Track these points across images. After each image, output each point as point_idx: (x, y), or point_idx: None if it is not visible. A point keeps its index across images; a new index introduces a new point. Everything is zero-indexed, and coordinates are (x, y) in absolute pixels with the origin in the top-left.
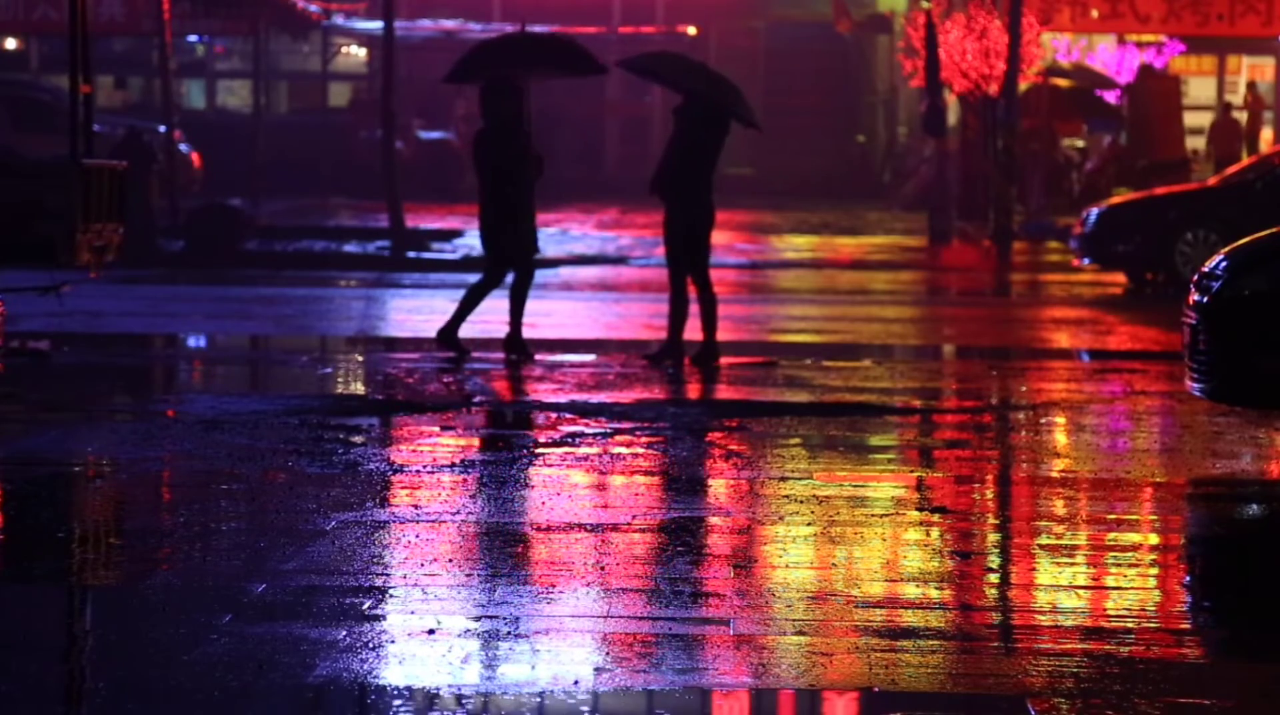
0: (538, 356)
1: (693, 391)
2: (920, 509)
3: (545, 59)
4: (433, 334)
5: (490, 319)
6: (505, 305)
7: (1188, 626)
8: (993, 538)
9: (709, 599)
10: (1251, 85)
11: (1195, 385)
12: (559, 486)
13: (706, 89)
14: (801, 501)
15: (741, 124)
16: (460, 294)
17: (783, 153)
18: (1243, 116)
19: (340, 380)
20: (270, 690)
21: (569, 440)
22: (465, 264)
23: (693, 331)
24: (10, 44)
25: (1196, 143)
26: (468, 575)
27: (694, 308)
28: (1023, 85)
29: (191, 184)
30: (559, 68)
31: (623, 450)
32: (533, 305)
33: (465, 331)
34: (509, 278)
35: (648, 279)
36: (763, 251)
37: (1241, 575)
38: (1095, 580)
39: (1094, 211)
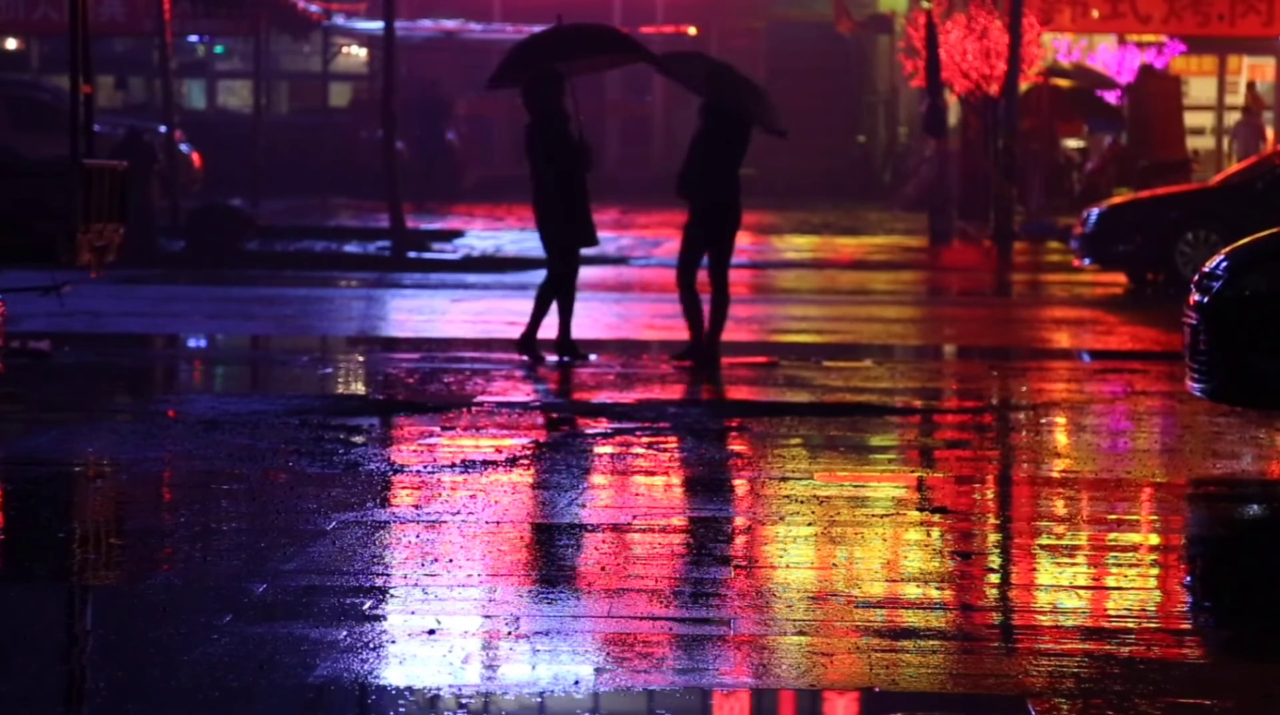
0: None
1: (693, 392)
2: (921, 509)
3: (591, 46)
4: (433, 334)
5: (491, 319)
6: (545, 304)
7: (1188, 626)
8: (993, 538)
9: (709, 599)
10: (1251, 85)
11: (1196, 385)
12: (558, 486)
13: (720, 93)
14: (802, 501)
15: (765, 131)
16: (460, 293)
17: (783, 153)
18: (1258, 115)
19: (340, 380)
20: (271, 690)
21: (569, 440)
22: (466, 264)
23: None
24: (11, 44)
25: (1195, 142)
26: (468, 575)
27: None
28: (1023, 85)
29: (192, 184)
30: (606, 53)
31: (623, 450)
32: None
33: (465, 330)
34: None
35: (648, 279)
36: (763, 251)
37: (1241, 575)
38: (1096, 580)
39: (1094, 211)
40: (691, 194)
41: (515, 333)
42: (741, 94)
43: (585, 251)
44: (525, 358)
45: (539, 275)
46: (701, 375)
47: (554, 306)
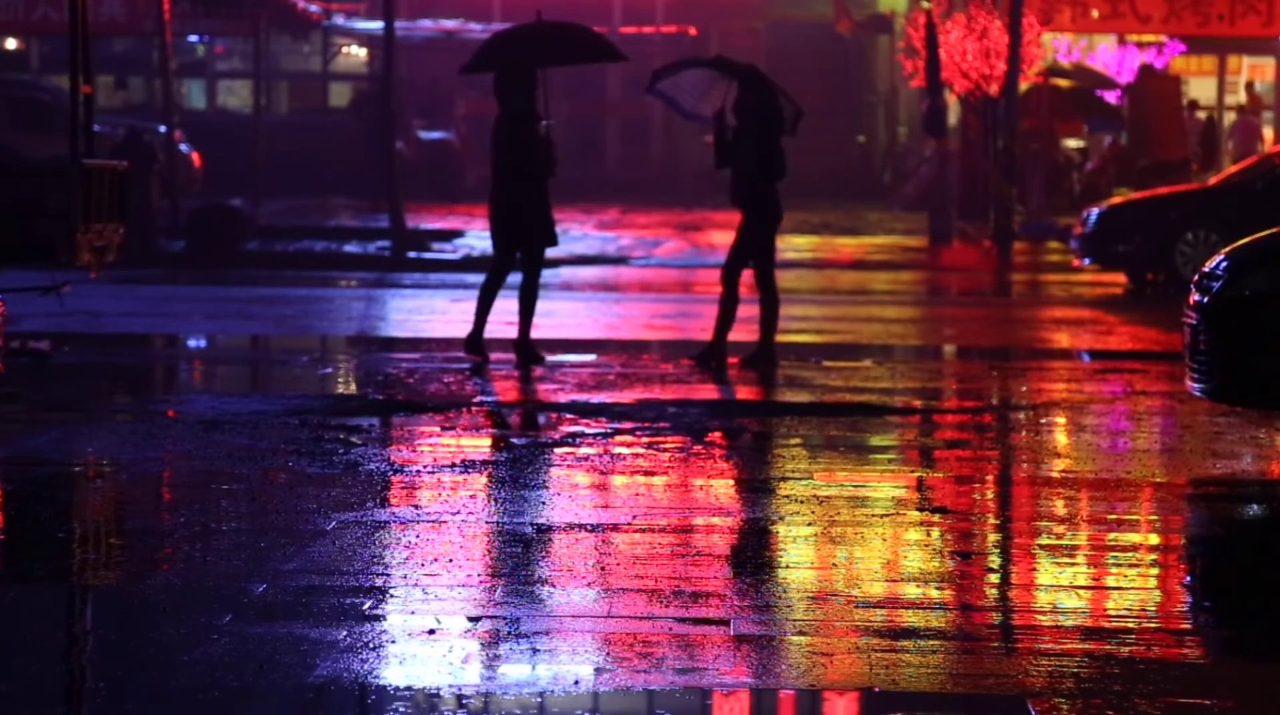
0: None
1: (693, 392)
2: (920, 509)
3: (563, 46)
4: (433, 334)
5: (491, 319)
6: (529, 303)
7: (1188, 626)
8: (993, 538)
9: (709, 599)
10: (1250, 86)
11: (1195, 385)
12: (559, 486)
13: (769, 86)
14: (802, 501)
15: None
16: (460, 293)
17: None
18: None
19: (340, 380)
20: (271, 690)
21: (569, 440)
22: (466, 264)
23: (688, 332)
24: (10, 44)
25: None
26: (468, 575)
27: (713, 308)
28: (1023, 85)
29: (192, 184)
30: (577, 54)
31: (623, 450)
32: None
33: (465, 330)
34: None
35: (648, 279)
36: None
37: (1241, 575)
38: (1095, 580)
39: (1094, 212)
40: (759, 196)
41: (515, 332)
42: (778, 97)
43: (579, 251)
44: (522, 360)
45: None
46: (700, 375)
47: (514, 305)
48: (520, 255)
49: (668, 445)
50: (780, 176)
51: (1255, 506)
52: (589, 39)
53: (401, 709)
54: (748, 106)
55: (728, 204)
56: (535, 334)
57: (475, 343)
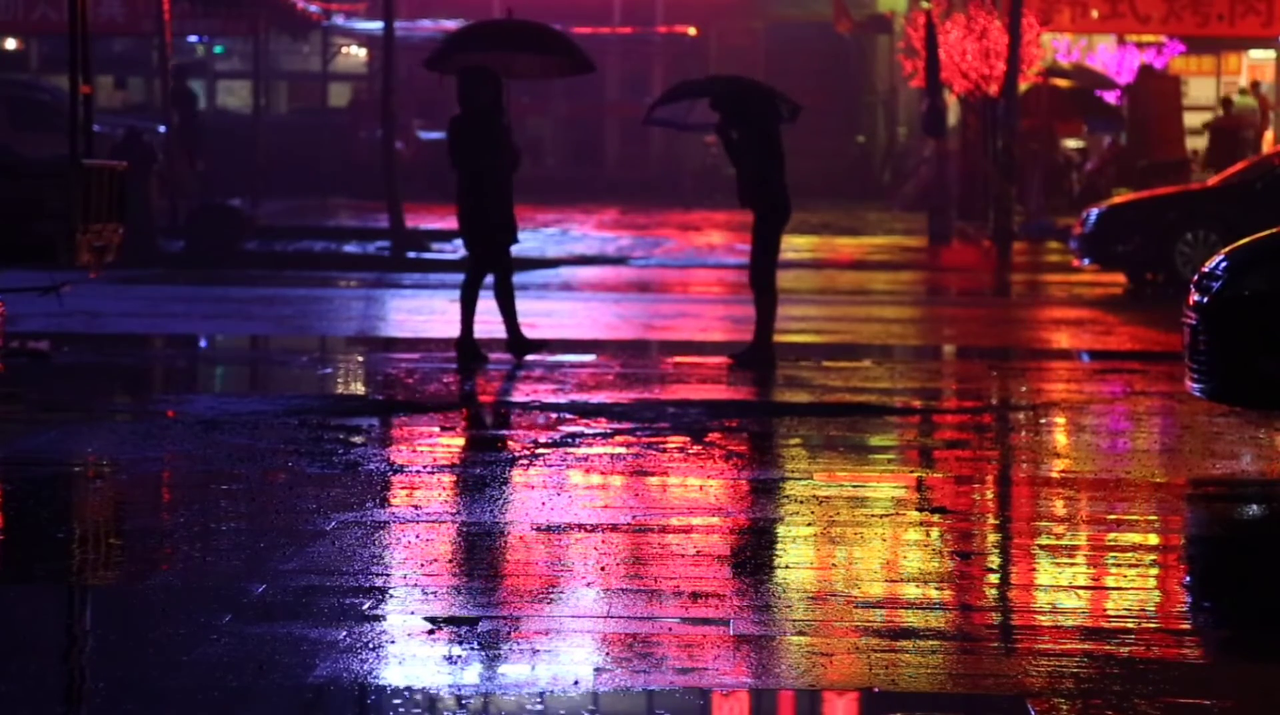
0: (538, 357)
1: (692, 392)
2: (920, 509)
3: (530, 45)
4: (433, 334)
5: (490, 319)
6: (471, 304)
7: (1188, 626)
8: (993, 538)
9: (709, 599)
10: (1254, 85)
11: (1195, 385)
12: (559, 487)
13: (761, 100)
14: (801, 501)
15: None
16: (459, 293)
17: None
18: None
19: (340, 380)
20: (270, 690)
21: (569, 440)
22: (465, 264)
23: (691, 332)
24: (10, 44)
25: (1196, 142)
26: (468, 575)
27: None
28: (1023, 85)
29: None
30: (544, 53)
31: (622, 450)
32: (533, 305)
33: (458, 330)
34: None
35: (648, 279)
36: None
37: (1241, 575)
38: (1095, 580)
39: (1094, 212)
40: (772, 202)
41: (517, 332)
42: (761, 92)
43: (579, 251)
44: (460, 358)
45: (537, 275)
46: (698, 375)
47: (482, 306)
48: (484, 255)
49: (667, 445)
50: (779, 168)
51: (1255, 506)
52: (558, 40)
53: (401, 709)
54: (737, 117)
55: (727, 204)
56: (535, 333)
57: (467, 344)
